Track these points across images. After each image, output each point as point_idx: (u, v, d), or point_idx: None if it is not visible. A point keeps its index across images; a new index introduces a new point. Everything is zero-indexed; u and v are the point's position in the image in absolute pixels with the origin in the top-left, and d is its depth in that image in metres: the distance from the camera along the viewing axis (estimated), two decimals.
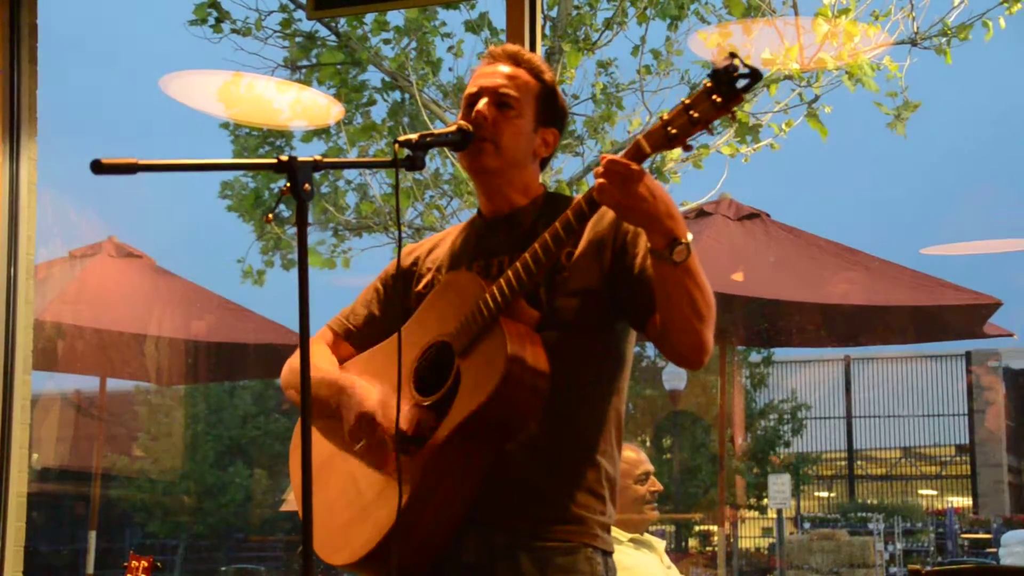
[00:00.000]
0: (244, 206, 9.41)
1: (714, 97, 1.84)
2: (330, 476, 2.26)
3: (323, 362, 2.31)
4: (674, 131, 1.89)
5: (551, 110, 2.28)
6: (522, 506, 2.12)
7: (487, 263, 2.24)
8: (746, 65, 1.81)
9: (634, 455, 3.78)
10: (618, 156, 1.95)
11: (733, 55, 1.82)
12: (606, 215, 2.14)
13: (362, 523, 2.16)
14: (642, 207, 1.95)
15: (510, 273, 2.09)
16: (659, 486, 3.76)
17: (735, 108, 1.85)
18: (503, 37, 5.94)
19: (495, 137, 2.20)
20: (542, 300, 2.14)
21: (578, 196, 2.09)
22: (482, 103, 2.22)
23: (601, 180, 1.95)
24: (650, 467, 3.79)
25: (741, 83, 1.82)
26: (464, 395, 2.08)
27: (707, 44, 7.85)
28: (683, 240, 1.96)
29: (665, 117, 1.91)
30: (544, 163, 2.33)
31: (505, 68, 2.26)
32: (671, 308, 2.04)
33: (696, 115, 1.87)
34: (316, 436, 2.23)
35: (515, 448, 2.11)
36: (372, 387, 2.18)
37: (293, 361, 2.34)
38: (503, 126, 2.21)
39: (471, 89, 2.26)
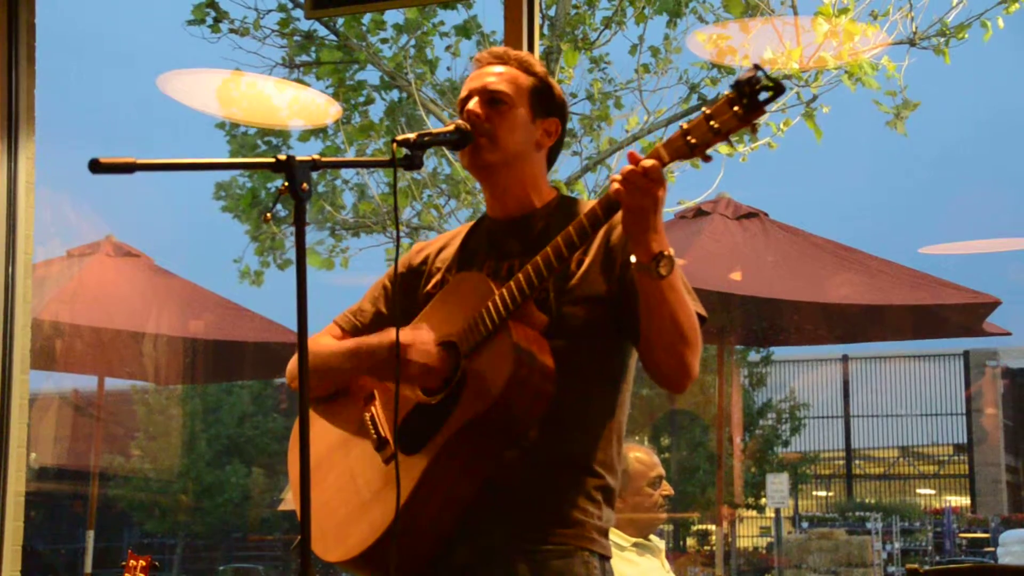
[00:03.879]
0: (240, 206, 9.41)
1: (735, 108, 1.82)
2: (328, 472, 2.25)
3: (333, 345, 2.30)
4: (694, 141, 1.88)
5: (547, 100, 2.28)
6: (518, 510, 2.10)
7: (497, 265, 2.22)
8: (769, 78, 1.79)
9: (647, 457, 3.71)
10: (642, 163, 1.92)
11: (757, 67, 1.80)
12: (619, 224, 2.11)
13: (358, 521, 2.15)
14: (648, 215, 1.94)
15: (520, 276, 2.07)
16: (670, 490, 3.69)
17: (756, 121, 1.82)
18: (496, 39, 5.92)
19: (490, 132, 2.20)
20: (552, 305, 2.13)
21: (592, 202, 2.07)
22: (472, 102, 2.23)
23: (618, 186, 1.94)
24: (662, 471, 3.72)
25: (763, 95, 1.80)
26: (469, 397, 2.07)
27: (705, 44, 7.85)
28: (667, 252, 1.95)
29: (685, 126, 1.89)
30: (552, 154, 2.32)
31: (493, 68, 2.27)
32: (655, 326, 2.03)
33: (717, 126, 1.84)
34: (315, 432, 2.20)
35: (514, 453, 2.09)
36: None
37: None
38: (496, 120, 2.21)
39: (462, 95, 2.27)
